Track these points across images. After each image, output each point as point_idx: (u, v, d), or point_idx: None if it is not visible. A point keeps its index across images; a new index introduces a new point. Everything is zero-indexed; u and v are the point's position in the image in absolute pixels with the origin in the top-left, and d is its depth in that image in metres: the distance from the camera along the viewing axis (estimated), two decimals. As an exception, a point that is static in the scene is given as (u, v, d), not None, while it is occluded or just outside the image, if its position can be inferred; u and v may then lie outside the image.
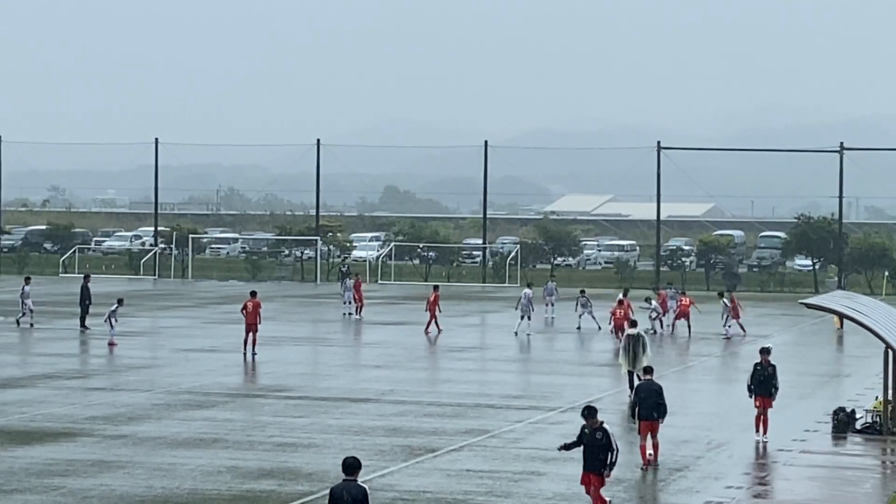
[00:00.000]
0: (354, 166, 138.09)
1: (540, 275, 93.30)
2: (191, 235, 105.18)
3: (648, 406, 27.88)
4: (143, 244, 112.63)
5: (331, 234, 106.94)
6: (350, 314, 65.41)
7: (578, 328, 59.85)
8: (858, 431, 32.78)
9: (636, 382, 36.09)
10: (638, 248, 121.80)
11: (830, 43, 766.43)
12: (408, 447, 29.88)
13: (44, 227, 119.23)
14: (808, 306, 34.92)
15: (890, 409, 32.74)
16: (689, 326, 57.82)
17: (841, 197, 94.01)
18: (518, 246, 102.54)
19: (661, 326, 58.25)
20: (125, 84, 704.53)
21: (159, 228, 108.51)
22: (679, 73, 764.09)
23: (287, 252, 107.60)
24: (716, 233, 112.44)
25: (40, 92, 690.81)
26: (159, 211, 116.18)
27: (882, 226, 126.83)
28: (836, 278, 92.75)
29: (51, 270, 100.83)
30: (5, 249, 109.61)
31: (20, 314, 57.77)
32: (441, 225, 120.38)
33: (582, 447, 23.42)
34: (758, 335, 56.64)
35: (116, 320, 50.16)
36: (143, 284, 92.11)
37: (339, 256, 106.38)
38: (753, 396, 31.43)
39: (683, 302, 58.72)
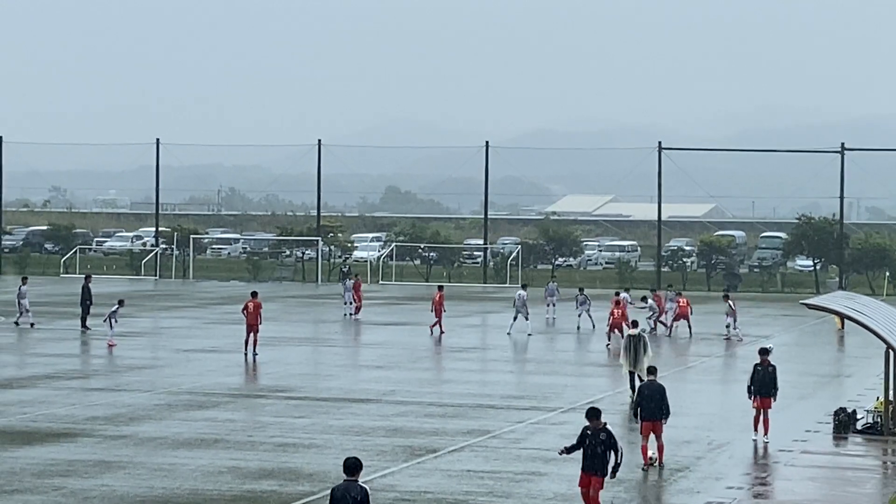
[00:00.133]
0: (355, 166, 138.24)
1: (541, 275, 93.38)
2: (192, 236, 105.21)
3: (651, 406, 27.89)
4: (144, 244, 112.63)
5: (332, 234, 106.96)
6: (349, 314, 65.41)
7: (578, 328, 59.96)
8: (859, 432, 32.78)
9: (637, 383, 36.18)
10: (639, 248, 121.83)
11: (831, 43, 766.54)
12: (409, 447, 29.89)
13: (45, 227, 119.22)
14: (809, 307, 34.93)
15: (891, 409, 32.74)
16: (689, 327, 57.81)
17: (842, 197, 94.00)
18: (519, 246, 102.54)
19: (655, 325, 58.20)
20: (125, 84, 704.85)
21: (160, 229, 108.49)
22: (680, 74, 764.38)
23: (288, 252, 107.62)
24: (717, 233, 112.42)
25: (40, 92, 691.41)
26: (160, 211, 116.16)
27: (883, 226, 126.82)
28: (837, 279, 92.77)
29: (52, 271, 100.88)
30: (6, 250, 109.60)
31: (18, 314, 57.78)
32: (442, 225, 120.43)
33: (582, 449, 23.35)
34: (759, 335, 56.64)
35: (116, 321, 50.14)
36: (144, 285, 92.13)
37: (340, 257, 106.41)
38: (753, 397, 31.45)
39: (681, 303, 58.67)
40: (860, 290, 76.04)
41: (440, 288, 60.11)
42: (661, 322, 58.80)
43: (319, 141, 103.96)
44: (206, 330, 57.96)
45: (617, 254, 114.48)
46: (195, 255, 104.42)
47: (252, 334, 47.69)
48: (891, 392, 32.83)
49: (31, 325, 57.05)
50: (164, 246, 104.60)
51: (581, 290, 62.96)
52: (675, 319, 58.54)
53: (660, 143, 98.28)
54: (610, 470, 22.95)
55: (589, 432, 23.10)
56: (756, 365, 31.77)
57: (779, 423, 32.01)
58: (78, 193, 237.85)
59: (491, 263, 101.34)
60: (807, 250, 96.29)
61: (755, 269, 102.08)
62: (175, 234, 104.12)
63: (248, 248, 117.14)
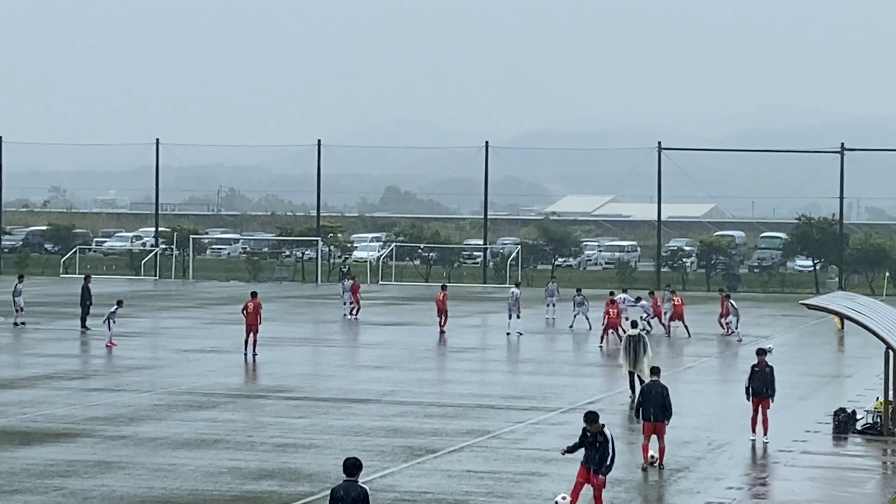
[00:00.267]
0: (355, 167, 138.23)
1: (541, 275, 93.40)
2: (191, 236, 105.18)
3: (653, 407, 27.92)
4: (143, 245, 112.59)
5: (331, 234, 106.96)
6: (348, 315, 65.39)
7: (571, 327, 60.06)
8: (859, 432, 32.78)
9: (637, 383, 36.22)
10: (638, 248, 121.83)
11: (830, 43, 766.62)
12: (409, 448, 29.89)
13: (44, 227, 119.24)
14: (809, 307, 34.93)
15: (890, 409, 32.74)
16: (685, 327, 57.73)
17: (842, 197, 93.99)
18: (519, 247, 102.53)
19: (650, 325, 58.18)
20: (125, 84, 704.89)
21: (160, 229, 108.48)
22: (680, 74, 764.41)
23: (288, 253, 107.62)
24: (716, 233, 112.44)
25: (40, 92, 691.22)
26: (160, 211, 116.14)
27: (883, 226, 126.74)
28: (837, 279, 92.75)
29: (51, 271, 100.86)
30: (6, 250, 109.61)
31: (15, 313, 57.75)
32: (442, 225, 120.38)
33: (584, 447, 23.71)
34: (759, 336, 56.64)
35: (115, 321, 50.13)
36: (144, 285, 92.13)
37: (339, 257, 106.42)
38: (750, 398, 31.45)
39: (676, 302, 58.59)
40: (860, 290, 76.04)
41: (444, 287, 60.04)
42: (660, 323, 58.78)
43: (319, 141, 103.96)
44: (206, 330, 57.96)
45: (617, 254, 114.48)
46: (195, 255, 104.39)
47: (252, 334, 47.70)
48: (890, 392, 32.83)
49: (21, 323, 57.00)
50: (163, 246, 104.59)
51: (578, 290, 63.00)
52: (671, 319, 58.53)
53: (659, 143, 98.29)
54: (602, 470, 23.24)
55: (588, 434, 23.57)
56: (753, 366, 31.78)
57: (778, 424, 32.02)
58: (78, 193, 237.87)
59: (491, 264, 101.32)
60: (806, 251, 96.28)
61: (755, 270, 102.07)
62: (175, 234, 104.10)
63: (248, 249, 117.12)
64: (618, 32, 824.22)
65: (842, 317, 40.52)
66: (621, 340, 50.07)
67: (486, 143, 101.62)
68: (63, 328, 57.21)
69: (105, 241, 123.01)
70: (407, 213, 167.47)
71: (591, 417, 23.59)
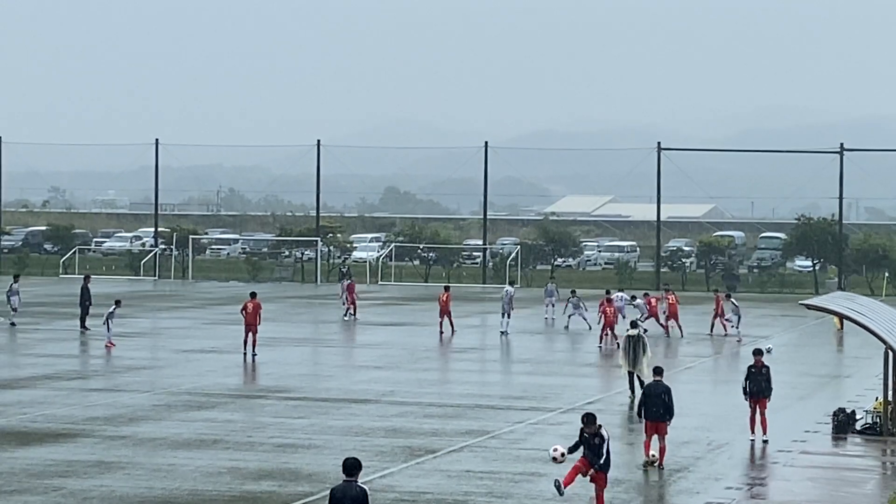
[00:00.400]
0: (355, 167, 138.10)
1: (540, 276, 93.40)
2: (191, 236, 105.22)
3: (655, 407, 27.95)
4: (143, 245, 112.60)
5: (331, 234, 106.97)
6: (347, 315, 65.41)
7: (566, 327, 60.10)
8: (858, 432, 32.79)
9: (636, 383, 36.24)
10: (638, 249, 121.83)
11: (830, 43, 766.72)
12: (408, 448, 29.89)
13: (44, 227, 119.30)
14: (809, 307, 34.94)
15: (890, 409, 32.75)
16: (679, 327, 57.64)
17: (841, 198, 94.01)
18: (518, 247, 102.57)
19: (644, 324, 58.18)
20: (125, 84, 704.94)
21: (160, 229, 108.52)
22: (679, 74, 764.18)
23: (287, 253, 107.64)
24: (716, 234, 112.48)
25: (40, 92, 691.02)
26: (159, 212, 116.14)
27: (882, 227, 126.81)
28: (837, 279, 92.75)
29: (51, 271, 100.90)
30: (5, 250, 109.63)
31: (11, 313, 57.72)
32: (441, 226, 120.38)
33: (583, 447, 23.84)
34: (758, 336, 56.65)
35: (113, 322, 50.12)
36: (144, 285, 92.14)
37: (339, 257, 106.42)
38: (748, 398, 31.46)
39: (671, 300, 58.49)
40: (859, 290, 76.03)
41: (446, 289, 60.00)
42: (658, 324, 58.74)
43: (319, 141, 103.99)
44: (206, 330, 57.96)
45: (616, 254, 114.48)
46: (194, 255, 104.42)
47: (251, 335, 47.72)
48: (890, 392, 32.84)
49: (11, 324, 56.94)
50: (163, 246, 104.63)
51: (573, 292, 62.97)
52: (667, 319, 58.51)
53: (659, 143, 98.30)
54: (595, 466, 23.41)
55: (586, 435, 23.68)
56: (750, 366, 31.80)
57: (778, 424, 32.02)
58: (77, 194, 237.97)
59: (490, 264, 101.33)
60: (806, 251, 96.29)
61: (754, 270, 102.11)
62: (174, 234, 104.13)
63: (248, 249, 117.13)
64: (618, 32, 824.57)
65: (841, 317, 40.53)
66: (616, 339, 50.33)
67: (486, 143, 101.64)
68: (62, 328, 57.21)
69: (104, 242, 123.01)
70: (406, 214, 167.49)
71: (588, 420, 23.67)
